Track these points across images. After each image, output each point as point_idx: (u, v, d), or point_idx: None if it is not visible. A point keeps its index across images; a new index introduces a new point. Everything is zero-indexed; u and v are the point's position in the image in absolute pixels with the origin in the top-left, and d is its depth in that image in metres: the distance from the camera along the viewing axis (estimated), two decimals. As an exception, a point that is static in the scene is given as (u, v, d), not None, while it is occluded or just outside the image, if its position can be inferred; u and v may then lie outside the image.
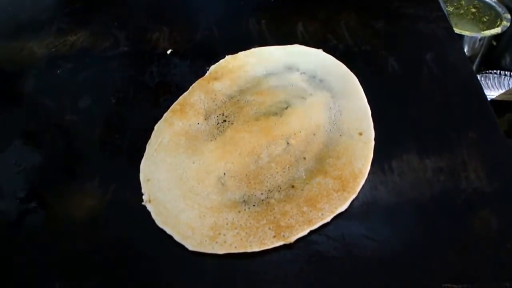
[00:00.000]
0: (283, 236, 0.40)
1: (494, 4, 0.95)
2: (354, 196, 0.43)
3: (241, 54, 0.58)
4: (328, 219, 0.41)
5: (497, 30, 0.89)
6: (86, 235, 0.43)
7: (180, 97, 0.53)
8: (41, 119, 0.54)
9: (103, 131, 0.52)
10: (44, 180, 0.47)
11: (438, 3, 0.68)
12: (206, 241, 0.40)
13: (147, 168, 0.47)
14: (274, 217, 0.42)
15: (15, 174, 0.48)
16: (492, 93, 0.88)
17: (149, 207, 0.44)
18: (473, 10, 1.00)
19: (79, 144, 0.51)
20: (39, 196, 0.46)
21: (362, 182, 0.44)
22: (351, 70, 0.55)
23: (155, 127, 0.51)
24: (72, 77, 0.59)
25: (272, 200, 0.43)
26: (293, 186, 0.44)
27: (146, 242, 0.42)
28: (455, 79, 0.55)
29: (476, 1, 0.98)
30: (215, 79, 0.55)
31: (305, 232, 0.41)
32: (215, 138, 0.49)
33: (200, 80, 0.55)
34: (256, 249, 0.40)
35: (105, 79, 0.58)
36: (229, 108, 0.52)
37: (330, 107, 0.51)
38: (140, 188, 0.45)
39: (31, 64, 0.61)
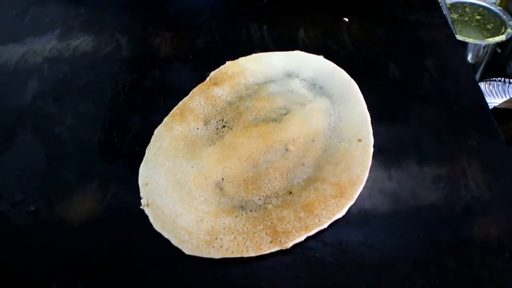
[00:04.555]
0: (280, 241, 0.40)
1: (498, 11, 0.94)
2: (351, 202, 0.43)
3: (242, 60, 0.58)
4: (325, 225, 0.41)
5: (501, 38, 0.88)
6: (84, 238, 0.43)
7: (180, 102, 0.54)
8: (42, 123, 0.54)
9: (103, 135, 0.52)
10: (44, 183, 0.47)
11: (441, 10, 0.68)
12: (202, 245, 0.40)
13: (146, 172, 0.47)
14: (271, 223, 0.41)
15: (15, 177, 0.48)
16: (496, 101, 0.87)
17: (147, 211, 0.44)
18: (478, 17, 0.99)
19: (79, 148, 0.51)
20: (38, 199, 0.46)
21: (360, 188, 0.44)
22: (352, 77, 0.55)
23: (155, 132, 0.51)
24: (74, 81, 0.59)
25: (270, 206, 0.43)
26: (290, 192, 0.44)
27: (143, 245, 0.42)
28: (456, 86, 0.55)
29: (480, 9, 0.98)
30: (215, 84, 0.55)
31: (302, 238, 0.40)
32: (214, 143, 0.49)
33: (200, 85, 0.55)
34: (253, 254, 0.40)
35: (106, 83, 0.58)
36: (228, 114, 0.52)
37: (330, 114, 0.51)
38: (139, 192, 0.45)
39: (34, 68, 0.61)
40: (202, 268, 0.40)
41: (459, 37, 0.85)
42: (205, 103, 0.53)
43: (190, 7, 0.72)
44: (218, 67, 0.58)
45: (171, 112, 0.53)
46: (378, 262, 0.39)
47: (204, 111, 0.53)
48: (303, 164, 0.46)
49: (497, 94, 0.88)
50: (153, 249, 0.41)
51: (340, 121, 0.50)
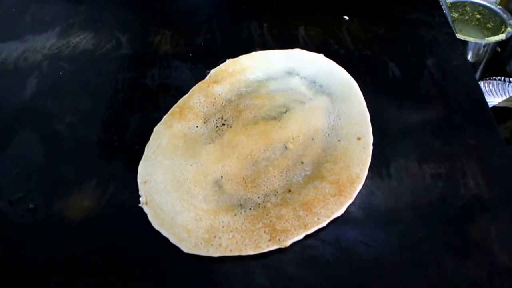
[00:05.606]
0: (279, 240, 0.40)
1: (499, 10, 0.94)
2: (350, 201, 0.43)
3: (242, 58, 0.58)
4: (324, 224, 0.41)
5: (501, 37, 0.88)
6: (83, 236, 0.43)
7: (180, 100, 0.54)
8: (41, 120, 0.54)
9: (102, 133, 0.52)
10: (42, 181, 0.47)
11: (441, 9, 0.67)
12: (201, 243, 0.40)
13: (145, 170, 0.47)
14: (270, 221, 0.41)
15: (13, 175, 0.48)
16: (495, 100, 0.87)
17: (146, 209, 0.44)
18: (478, 16, 0.99)
19: (78, 145, 0.51)
20: (37, 197, 0.46)
21: (359, 187, 0.44)
22: (352, 75, 0.55)
23: (154, 129, 0.51)
24: (73, 79, 0.59)
25: (269, 204, 0.43)
26: (290, 190, 0.44)
27: (142, 244, 0.42)
28: (456, 85, 0.54)
29: (481, 8, 0.98)
30: (215, 82, 0.55)
31: (300, 236, 0.40)
32: (214, 141, 0.49)
33: (200, 83, 0.55)
34: (251, 252, 0.40)
35: (106, 81, 0.58)
36: (228, 112, 0.52)
37: (329, 112, 0.51)
38: (138, 190, 0.45)
39: (34, 65, 0.61)
40: (201, 266, 0.40)
41: (459, 36, 0.85)
42: (204, 101, 0.53)
43: (191, 5, 0.72)
44: (218, 65, 0.58)
45: (170, 110, 0.53)
46: (376, 261, 0.39)
47: (203, 109, 0.53)
48: (302, 163, 0.46)
49: (497, 93, 0.88)
50: (151, 247, 0.41)
51: (340, 119, 0.50)
